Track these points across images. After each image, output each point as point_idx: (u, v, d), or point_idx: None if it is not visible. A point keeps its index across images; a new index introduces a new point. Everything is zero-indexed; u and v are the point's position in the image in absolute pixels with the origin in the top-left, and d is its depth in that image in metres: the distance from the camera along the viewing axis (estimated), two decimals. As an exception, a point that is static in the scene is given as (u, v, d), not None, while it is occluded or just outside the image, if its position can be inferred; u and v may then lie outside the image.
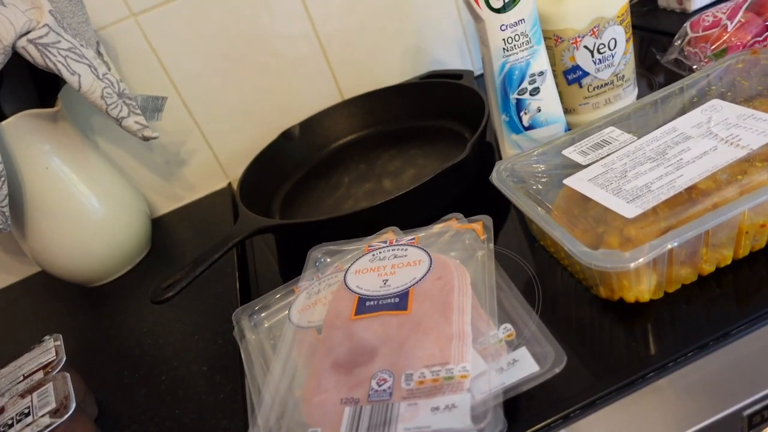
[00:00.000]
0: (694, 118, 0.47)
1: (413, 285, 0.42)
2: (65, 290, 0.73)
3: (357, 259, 0.46)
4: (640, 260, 0.36)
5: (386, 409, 0.35)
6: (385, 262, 0.45)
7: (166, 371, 0.55)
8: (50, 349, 0.51)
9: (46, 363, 0.49)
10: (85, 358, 0.61)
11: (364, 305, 0.41)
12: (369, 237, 0.50)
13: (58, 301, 0.74)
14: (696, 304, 0.40)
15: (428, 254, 0.44)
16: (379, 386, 0.36)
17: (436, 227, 0.49)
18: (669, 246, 0.36)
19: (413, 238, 0.47)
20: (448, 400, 0.34)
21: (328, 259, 0.51)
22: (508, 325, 0.39)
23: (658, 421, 0.36)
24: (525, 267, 0.50)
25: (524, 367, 0.36)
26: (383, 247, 0.47)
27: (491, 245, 0.45)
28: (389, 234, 0.50)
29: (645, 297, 0.41)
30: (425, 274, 0.42)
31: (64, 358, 0.49)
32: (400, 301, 0.41)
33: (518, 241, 0.54)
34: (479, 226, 0.47)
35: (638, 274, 0.39)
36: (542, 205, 0.46)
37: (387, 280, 0.43)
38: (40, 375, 0.48)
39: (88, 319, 0.69)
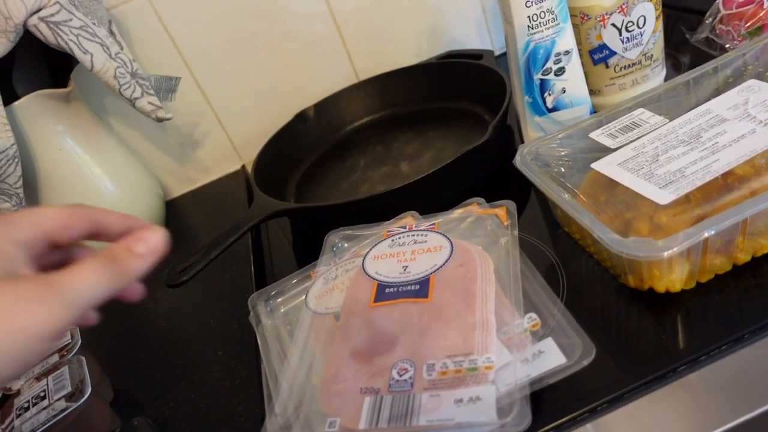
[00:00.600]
0: (730, 100, 0.45)
1: (434, 272, 0.40)
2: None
3: (376, 245, 0.45)
4: (674, 249, 0.34)
5: (408, 399, 0.34)
6: (405, 248, 0.44)
7: (181, 355, 0.54)
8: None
9: (61, 346, 0.49)
10: (100, 341, 0.61)
11: (384, 292, 0.40)
12: (387, 222, 0.49)
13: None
14: (730, 295, 0.39)
15: (449, 240, 0.43)
16: (400, 376, 0.35)
17: (457, 212, 0.47)
18: (705, 235, 0.34)
19: (433, 224, 0.46)
20: (472, 392, 0.33)
21: (346, 244, 0.50)
22: (533, 315, 0.38)
23: (687, 418, 0.34)
24: (548, 254, 0.48)
25: (550, 358, 0.35)
26: (402, 232, 0.46)
27: (515, 231, 0.44)
28: (408, 219, 0.49)
29: (676, 287, 0.39)
30: (446, 261, 0.41)
31: (80, 341, 0.49)
32: (421, 288, 0.40)
33: (540, 227, 0.52)
34: (502, 212, 0.46)
35: (670, 263, 0.37)
36: (567, 189, 0.44)
37: (407, 267, 0.42)
38: (55, 358, 0.47)
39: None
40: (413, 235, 0.45)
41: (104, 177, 0.67)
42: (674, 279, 0.39)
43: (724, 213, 0.35)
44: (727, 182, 0.39)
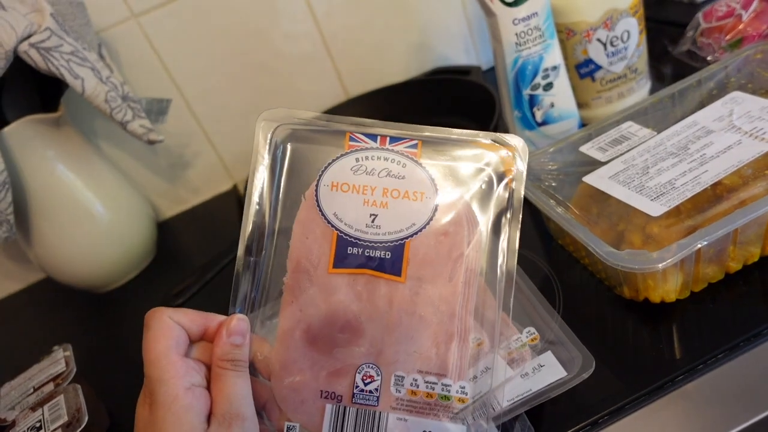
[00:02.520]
0: (715, 112, 0.46)
1: (411, 236, 0.32)
2: (72, 297, 0.72)
3: (334, 161, 0.33)
4: (669, 260, 0.35)
5: (373, 418, 0.31)
6: (374, 179, 0.33)
7: (178, 379, 0.54)
8: (60, 359, 0.50)
9: (56, 374, 0.48)
10: (95, 366, 0.60)
11: (345, 252, 0.32)
12: (349, 119, 0.34)
13: (65, 308, 0.73)
14: (723, 303, 0.39)
15: (434, 185, 0.32)
16: (365, 384, 0.31)
17: (454, 133, 0.34)
18: (698, 245, 0.35)
19: (415, 144, 0.33)
20: (443, 428, 0.31)
21: (289, 145, 0.35)
22: (532, 329, 0.38)
23: (688, 428, 0.35)
24: (542, 266, 0.49)
25: (551, 372, 0.35)
26: (372, 149, 0.33)
27: (521, 192, 0.33)
28: (379, 124, 0.34)
29: (671, 297, 0.40)
30: (428, 222, 0.32)
31: (75, 369, 0.48)
32: (393, 258, 0.32)
33: (534, 239, 0.53)
34: (509, 155, 0.33)
35: (665, 274, 0.38)
36: (560, 202, 0.45)
37: (376, 216, 0.32)
38: (50, 387, 0.47)
39: (96, 326, 0.68)
40: (387, 159, 0.33)
41: (96, 201, 0.66)
42: (669, 289, 0.39)
43: (716, 224, 0.36)
44: (716, 193, 0.40)
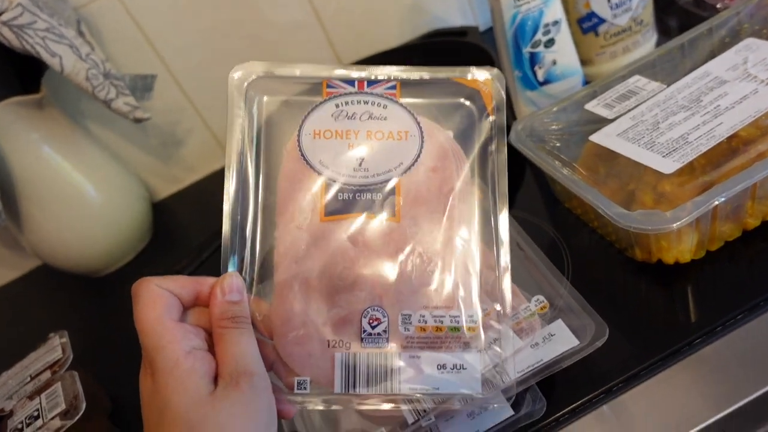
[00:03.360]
0: (729, 60, 0.43)
1: (400, 175, 0.31)
2: (69, 283, 0.71)
3: (313, 108, 0.32)
4: (684, 220, 0.33)
5: (384, 359, 0.30)
6: (356, 124, 0.32)
7: (179, 362, 0.53)
8: (56, 346, 0.49)
9: (53, 362, 0.47)
10: (95, 351, 0.59)
11: (336, 198, 0.31)
12: (322, 67, 0.33)
13: (62, 294, 0.71)
14: (741, 262, 0.38)
15: (417, 123, 0.32)
16: (373, 327, 0.30)
17: (427, 73, 0.33)
18: (715, 202, 0.33)
19: (394, 85, 0.33)
20: (456, 358, 0.30)
21: (265, 98, 0.34)
22: (540, 297, 0.37)
23: (706, 393, 0.33)
24: (549, 231, 0.47)
25: (562, 341, 0.34)
26: (351, 93, 0.32)
27: (503, 120, 0.33)
28: (354, 68, 0.33)
29: (686, 257, 0.38)
30: (416, 159, 0.31)
31: (71, 356, 0.47)
32: (385, 198, 0.31)
33: (538, 204, 0.51)
34: (486, 86, 0.33)
35: (679, 233, 0.36)
36: (566, 164, 0.43)
37: (362, 159, 0.31)
38: (47, 375, 0.46)
39: (95, 311, 0.67)
40: (367, 103, 0.32)
41: (86, 183, 0.65)
42: (683, 249, 0.37)
43: (733, 178, 0.34)
44: (731, 146, 0.38)
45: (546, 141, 0.46)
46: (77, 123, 0.69)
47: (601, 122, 0.44)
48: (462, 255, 0.31)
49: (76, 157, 0.64)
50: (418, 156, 0.31)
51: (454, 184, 0.31)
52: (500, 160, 0.32)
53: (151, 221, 0.73)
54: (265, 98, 0.33)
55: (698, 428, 0.31)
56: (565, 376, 0.35)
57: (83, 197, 0.65)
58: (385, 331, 0.30)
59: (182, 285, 0.30)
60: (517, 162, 0.49)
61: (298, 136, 0.32)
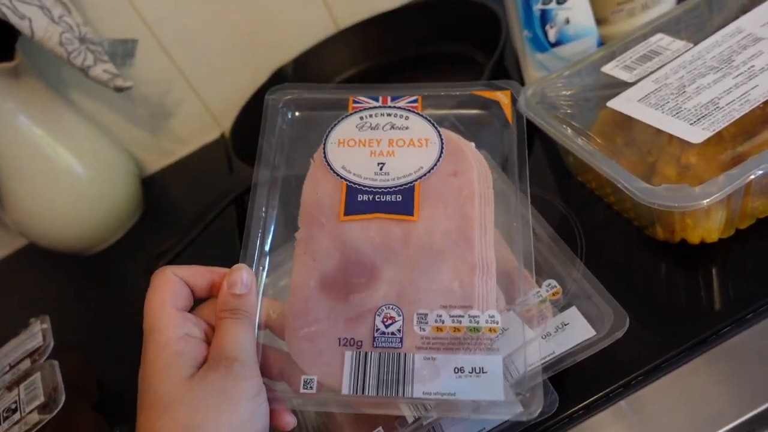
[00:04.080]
0: (763, 15, 0.39)
1: (420, 178, 0.32)
2: (57, 262, 0.68)
3: (339, 121, 0.35)
4: (716, 196, 0.29)
5: (398, 360, 0.29)
6: (379, 133, 0.34)
7: (169, 346, 0.50)
8: (37, 333, 0.46)
9: (32, 350, 0.44)
10: (83, 334, 0.57)
11: (356, 200, 0.32)
12: (350, 85, 0.38)
13: (48, 274, 0.69)
14: (775, 242, 0.34)
15: (437, 131, 0.33)
16: (386, 326, 0.30)
17: (450, 89, 0.36)
18: (751, 177, 0.29)
19: (416, 99, 0.35)
20: (475, 361, 0.28)
21: (297, 113, 0.38)
22: (552, 281, 0.33)
23: (734, 388, 0.30)
24: (560, 207, 0.43)
25: (577, 331, 0.31)
26: (375, 107, 0.35)
27: (523, 131, 0.34)
28: (381, 90, 0.36)
29: (713, 236, 0.34)
30: (436, 164, 0.32)
31: (52, 343, 0.44)
32: (404, 200, 0.32)
33: (548, 177, 0.47)
34: (506, 97, 0.35)
35: (707, 210, 0.33)
36: (580, 133, 0.39)
37: (383, 164, 0.33)
38: (27, 364, 0.43)
39: (84, 291, 0.64)
40: (390, 115, 0.34)
41: (70, 158, 0.61)
42: (711, 228, 0.34)
43: (771, 149, 0.30)
44: (765, 112, 0.34)
45: (558, 108, 0.42)
46: (59, 93, 0.65)
47: (619, 86, 0.40)
48: (481, 255, 0.30)
49: (57, 128, 0.61)
50: (438, 160, 0.32)
51: (474, 187, 0.32)
52: (522, 175, 0.33)
53: (141, 197, 0.70)
54: (296, 114, 0.37)
55: (725, 429, 0.28)
56: (578, 368, 0.32)
57: (67, 171, 0.62)
58: (399, 331, 0.29)
59: (196, 272, 0.31)
60: (527, 131, 0.45)
61: (324, 145, 0.34)
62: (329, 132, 0.34)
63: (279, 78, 0.71)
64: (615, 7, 0.53)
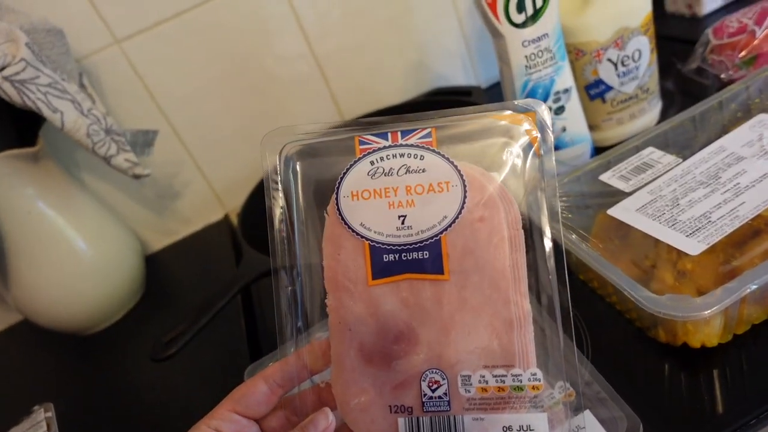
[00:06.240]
0: (743, 136, 0.43)
1: (445, 230, 0.30)
2: (54, 341, 0.68)
3: (348, 168, 0.31)
4: (716, 308, 0.32)
5: (448, 423, 0.30)
6: (394, 179, 0.30)
7: (172, 434, 0.49)
8: (41, 422, 0.45)
9: (36, 439, 0.43)
10: (81, 419, 0.55)
11: (381, 260, 0.30)
12: (354, 121, 0.33)
13: (47, 353, 0.68)
14: (769, 347, 0.36)
15: (457, 171, 0.30)
16: (433, 391, 0.30)
17: (465, 117, 0.32)
18: (747, 290, 0.32)
19: (429, 132, 0.31)
20: (522, 419, 0.30)
21: (299, 164, 0.33)
22: (562, 383, 0.35)
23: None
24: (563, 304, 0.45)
25: (592, 436, 0.32)
26: (384, 148, 0.31)
27: (551, 158, 0.30)
28: (388, 125, 0.32)
29: (713, 341, 0.36)
30: (460, 211, 0.30)
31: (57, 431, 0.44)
32: (432, 256, 0.29)
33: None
34: (530, 123, 0.31)
35: (708, 318, 0.35)
36: (579, 235, 0.42)
37: (404, 217, 0.30)
38: (30, 454, 0.42)
39: (82, 373, 0.63)
40: (403, 156, 0.30)
41: (78, 238, 0.62)
42: (710, 333, 0.36)
43: (764, 265, 0.33)
44: (753, 226, 0.37)
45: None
46: (71, 174, 0.67)
47: (616, 195, 0.43)
48: (517, 309, 0.30)
49: (68, 210, 0.62)
50: (462, 207, 0.30)
51: (503, 232, 0.29)
52: (552, 204, 0.30)
53: (144, 276, 0.71)
54: (300, 163, 0.33)
55: None
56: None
57: (74, 251, 0.62)
58: (445, 394, 0.30)
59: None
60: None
61: (336, 199, 0.31)
62: (339, 184, 0.31)
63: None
64: (605, 116, 0.58)
